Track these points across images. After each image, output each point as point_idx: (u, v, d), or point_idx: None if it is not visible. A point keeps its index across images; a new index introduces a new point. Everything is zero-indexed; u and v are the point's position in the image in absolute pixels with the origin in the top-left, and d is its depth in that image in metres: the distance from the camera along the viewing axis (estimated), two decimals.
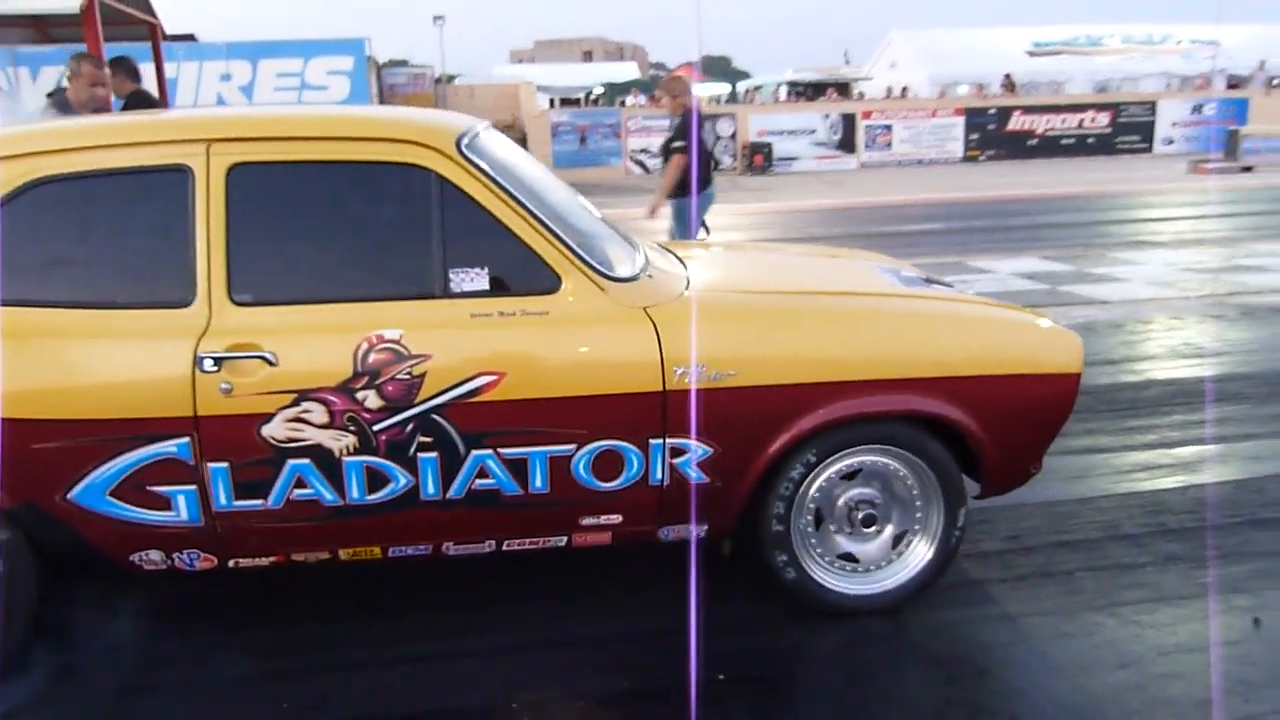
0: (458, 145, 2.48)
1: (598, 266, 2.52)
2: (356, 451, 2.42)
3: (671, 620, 2.67)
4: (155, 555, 2.51)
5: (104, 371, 2.35)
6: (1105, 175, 17.47)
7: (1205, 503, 3.35)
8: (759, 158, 20.46)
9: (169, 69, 10.09)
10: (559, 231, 2.51)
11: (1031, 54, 25.95)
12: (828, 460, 2.58)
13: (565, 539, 2.62)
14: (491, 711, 2.39)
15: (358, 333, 2.39)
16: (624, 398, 2.45)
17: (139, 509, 2.42)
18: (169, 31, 9.68)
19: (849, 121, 21.25)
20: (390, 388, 2.39)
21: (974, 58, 25.18)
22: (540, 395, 2.43)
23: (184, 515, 2.44)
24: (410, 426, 2.41)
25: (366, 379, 2.38)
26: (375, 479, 2.45)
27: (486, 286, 2.47)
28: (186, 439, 2.37)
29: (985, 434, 2.58)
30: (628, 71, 32.87)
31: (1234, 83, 22.71)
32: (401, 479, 2.46)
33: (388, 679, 2.53)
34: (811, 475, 2.59)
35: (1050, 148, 21.66)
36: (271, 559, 2.56)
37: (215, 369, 2.35)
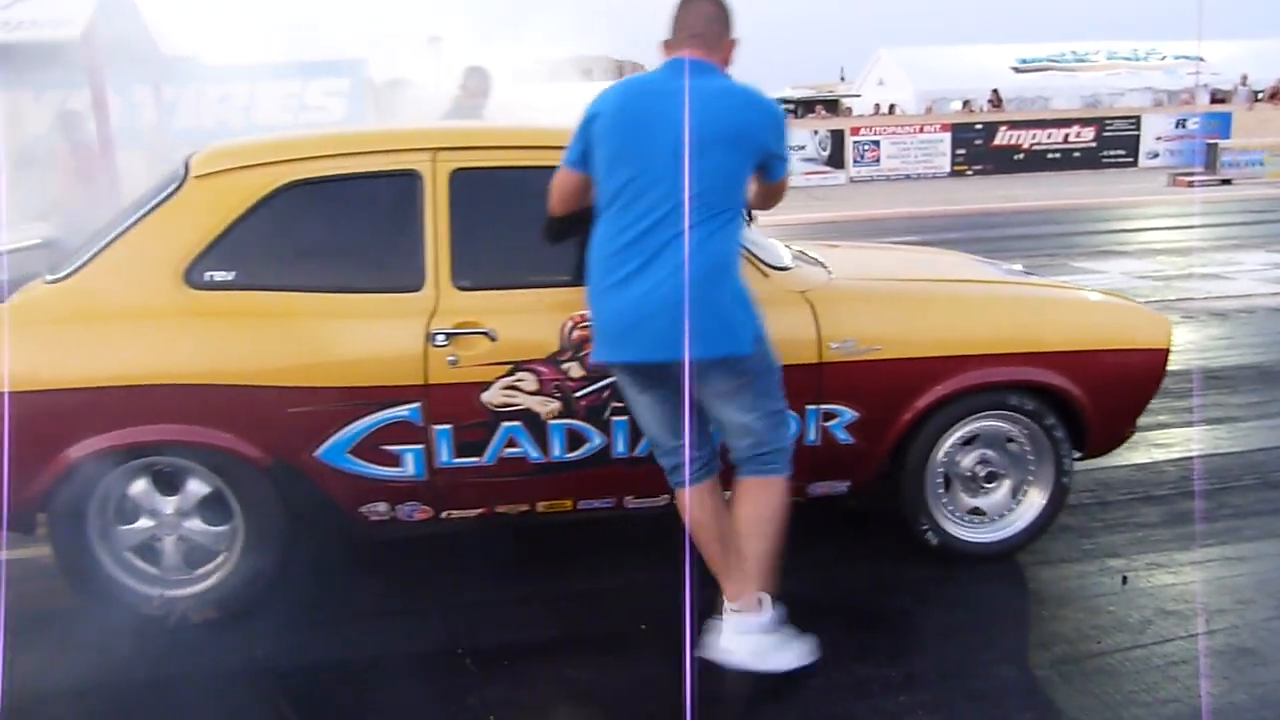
0: None
1: (761, 255, 2.94)
2: (560, 415, 2.82)
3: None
4: (381, 507, 2.90)
5: (348, 346, 2.75)
6: (1087, 188, 18.02)
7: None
8: None
9: (169, 92, 10.24)
10: None
11: (1018, 70, 26.76)
12: (955, 425, 3.00)
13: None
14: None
15: (562, 312, 2.79)
16: (787, 369, 2.86)
17: (373, 465, 2.81)
18: (170, 54, 9.84)
19: (838, 137, 21.78)
20: (590, 360, 2.79)
21: (961, 74, 25.95)
22: None
23: (411, 471, 2.83)
24: (606, 393, 2.82)
25: (570, 352, 2.79)
26: (574, 439, 2.85)
27: None
28: (418, 404, 2.76)
29: (1089, 401, 3.01)
30: None
31: (1218, 97, 23.55)
32: (596, 439, 2.86)
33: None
34: (942, 439, 3.01)
35: (1036, 162, 22.28)
36: (479, 511, 2.95)
37: (445, 343, 2.74)
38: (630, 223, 2.37)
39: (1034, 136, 22.66)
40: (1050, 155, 22.50)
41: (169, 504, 2.80)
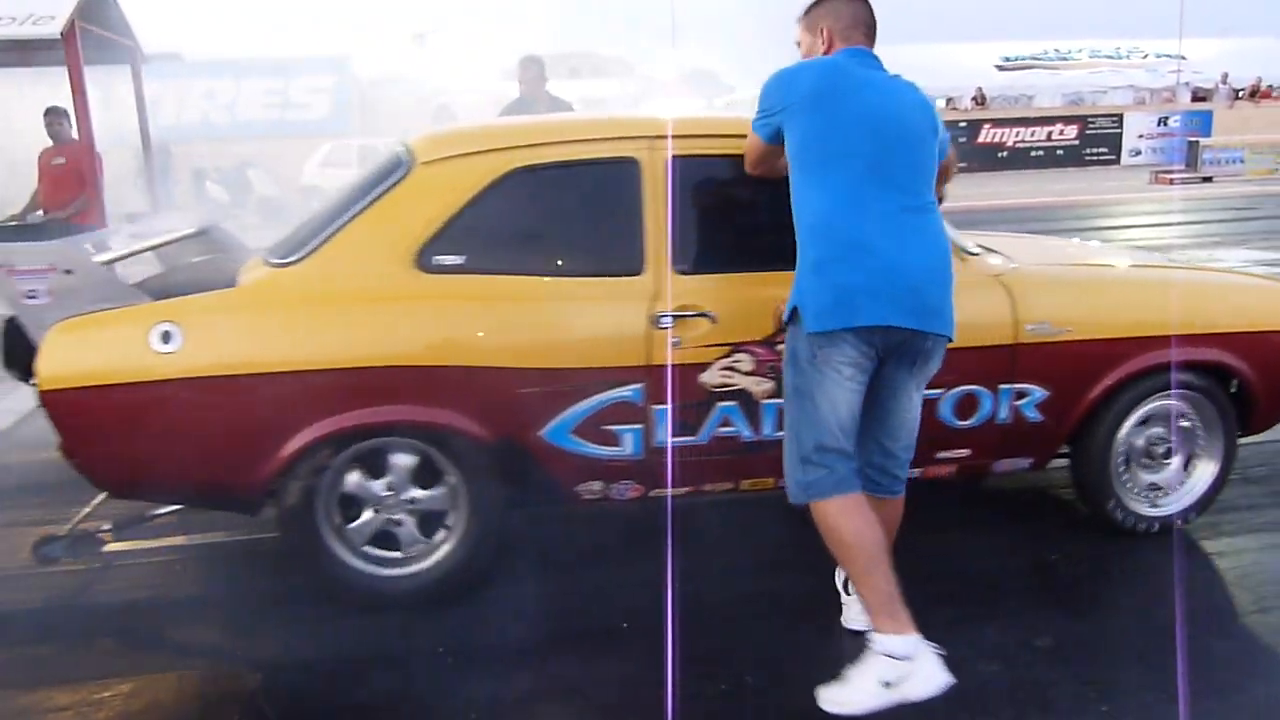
0: None
1: (958, 241, 3.05)
2: (772, 395, 2.92)
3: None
4: (596, 486, 2.97)
5: (576, 328, 2.82)
6: (1069, 186, 18.43)
7: None
8: None
9: (153, 88, 10.17)
10: None
11: (1001, 68, 27.25)
12: (1140, 404, 3.14)
13: (920, 471, 3.14)
14: None
15: (772, 295, 2.89)
16: (984, 349, 2.99)
17: (594, 445, 2.88)
18: (152, 51, 9.77)
19: None
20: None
21: (945, 72, 26.32)
22: None
23: (629, 450, 2.91)
24: None
25: (783, 334, 2.88)
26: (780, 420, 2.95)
27: None
28: (640, 385, 2.85)
29: (1257, 378, 3.17)
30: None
31: (1199, 95, 24.16)
32: None
33: None
34: (1127, 417, 3.15)
35: (1020, 159, 22.71)
36: (686, 490, 3.04)
37: (669, 326, 2.83)
38: (884, 194, 2.40)
39: (1017, 134, 23.09)
40: (1034, 153, 22.94)
41: (382, 486, 2.86)
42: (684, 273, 2.88)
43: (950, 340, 2.48)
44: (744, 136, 2.98)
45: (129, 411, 2.68)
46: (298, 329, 2.73)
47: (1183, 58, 25.28)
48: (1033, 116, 23.39)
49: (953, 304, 2.47)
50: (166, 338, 2.66)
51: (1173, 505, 3.27)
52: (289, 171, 17.80)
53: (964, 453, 3.11)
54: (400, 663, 2.68)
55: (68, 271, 2.67)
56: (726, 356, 2.87)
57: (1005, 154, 22.98)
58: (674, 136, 2.92)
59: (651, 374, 2.85)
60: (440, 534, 2.93)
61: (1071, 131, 22.96)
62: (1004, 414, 3.07)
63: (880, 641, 2.31)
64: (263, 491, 2.79)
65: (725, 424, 2.92)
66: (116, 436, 2.71)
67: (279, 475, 2.75)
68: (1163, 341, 3.09)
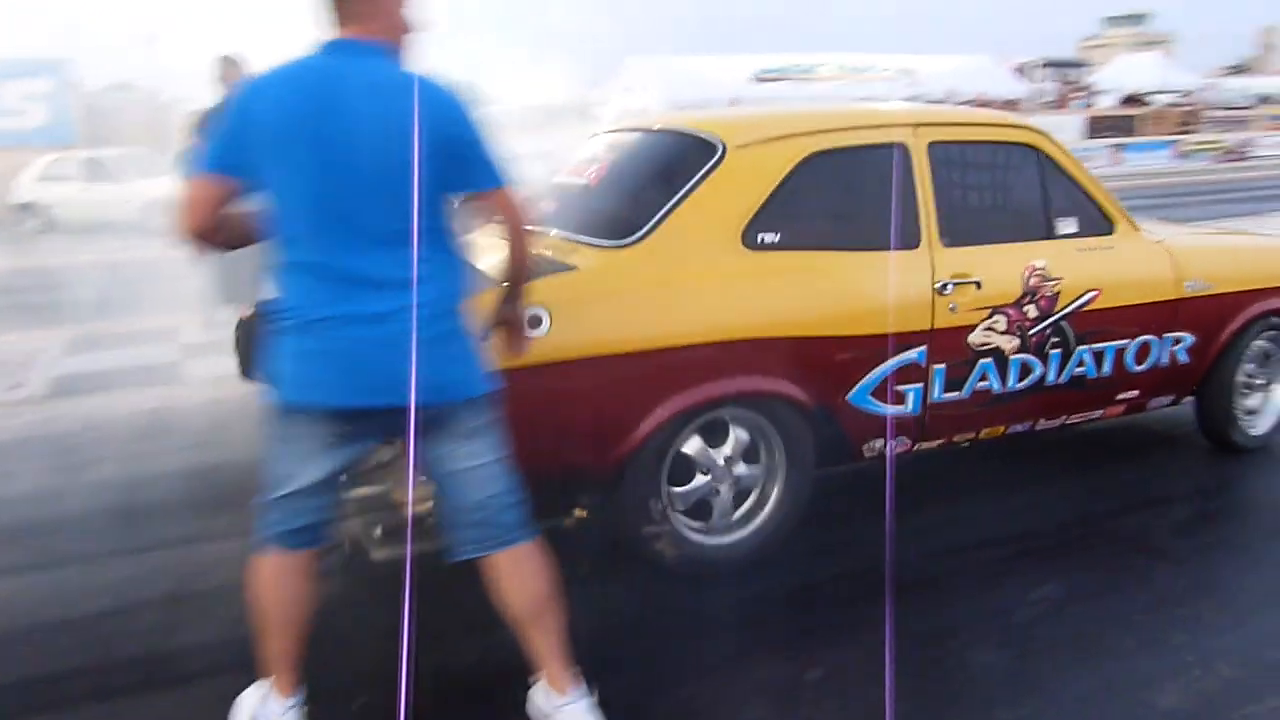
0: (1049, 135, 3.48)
1: (1129, 215, 3.60)
2: (1018, 350, 3.32)
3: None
4: (879, 443, 3.23)
5: (879, 298, 3.08)
6: None
7: None
8: None
9: None
10: (1107, 191, 3.57)
11: (757, 79, 29.19)
12: (1251, 343, 3.85)
13: (1100, 412, 3.66)
14: None
15: (1021, 263, 3.29)
16: (1157, 304, 3.56)
17: (886, 405, 3.15)
18: None
19: None
20: (1043, 302, 3.32)
21: (705, 83, 27.88)
22: (1119, 304, 3.46)
23: (910, 408, 3.20)
24: (1049, 330, 3.35)
25: (1029, 296, 3.30)
26: (1025, 371, 3.36)
27: (1076, 230, 3.47)
28: (924, 347, 3.15)
29: None
30: None
31: None
32: (1038, 369, 3.38)
33: None
34: (1242, 355, 3.84)
35: None
36: (939, 442, 3.37)
37: (949, 293, 3.15)
38: (327, 244, 1.96)
39: None
40: None
41: (721, 455, 2.98)
42: (949, 245, 3.22)
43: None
44: (976, 125, 3.38)
45: (504, 397, 2.63)
46: (654, 308, 2.79)
47: (914, 72, 28.45)
48: None
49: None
50: (536, 322, 2.64)
51: (1261, 426, 4.01)
52: None
53: (1134, 394, 3.67)
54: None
55: None
56: (988, 318, 3.24)
57: None
58: (930, 124, 3.25)
59: (933, 337, 3.16)
60: (752, 503, 3.07)
61: None
62: (1165, 358, 3.65)
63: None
64: (617, 470, 2.82)
65: (983, 379, 3.29)
66: None
67: (635, 451, 2.80)
68: (1268, 293, 3.82)
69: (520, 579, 2.19)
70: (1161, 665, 2.53)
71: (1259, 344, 3.92)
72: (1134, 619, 2.76)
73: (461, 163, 2.01)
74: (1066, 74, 34.13)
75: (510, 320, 2.33)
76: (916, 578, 2.97)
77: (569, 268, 2.81)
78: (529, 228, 2.13)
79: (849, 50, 30.37)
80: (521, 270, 2.20)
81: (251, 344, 3.02)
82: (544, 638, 2.21)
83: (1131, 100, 27.99)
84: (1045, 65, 32.73)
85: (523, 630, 2.22)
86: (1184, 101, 28.74)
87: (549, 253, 2.93)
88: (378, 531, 2.98)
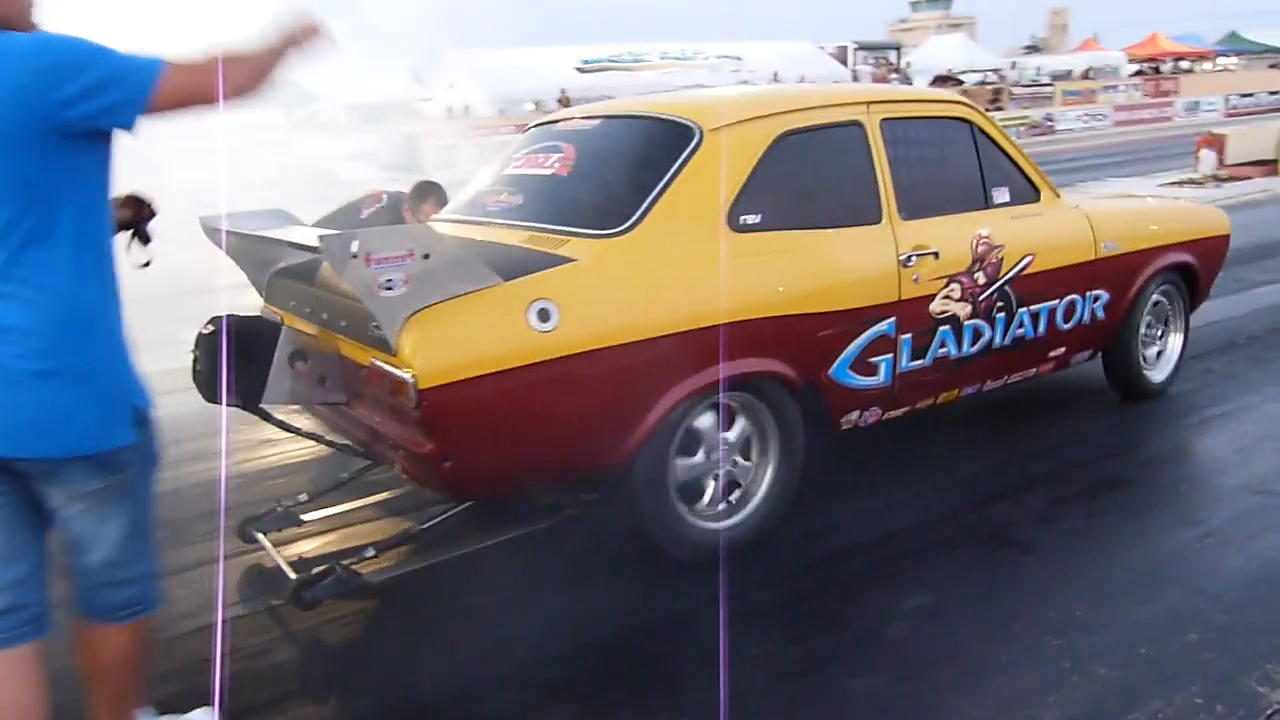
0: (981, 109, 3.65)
1: (1050, 182, 3.83)
2: (970, 316, 3.48)
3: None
4: (855, 415, 3.32)
5: (854, 272, 3.15)
6: None
7: None
8: None
9: None
10: (1032, 160, 3.78)
11: (582, 70, 29.18)
12: (1151, 296, 4.17)
13: (1035, 370, 3.89)
14: None
15: (970, 232, 3.45)
16: (1080, 265, 3.81)
17: (862, 377, 3.23)
18: None
19: (414, 143, 21.47)
20: (989, 269, 3.49)
21: (528, 75, 27.66)
22: (1050, 267, 3.69)
23: (882, 379, 3.30)
24: (995, 295, 3.53)
25: (978, 264, 3.46)
26: (976, 335, 3.52)
27: (1009, 199, 3.67)
28: (893, 318, 3.25)
29: (1202, 270, 4.36)
30: None
31: None
32: (987, 333, 3.56)
33: None
34: (1144, 308, 4.16)
35: None
36: (904, 410, 3.48)
37: (912, 265, 3.27)
38: None
39: None
40: None
41: (729, 437, 2.98)
42: (906, 219, 3.33)
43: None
44: (919, 101, 3.51)
45: (515, 397, 2.54)
46: (658, 294, 2.76)
47: (740, 58, 29.19)
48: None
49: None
50: (544, 315, 2.56)
51: (1160, 372, 4.36)
52: None
53: (1061, 351, 3.92)
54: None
55: (426, 256, 2.45)
56: (945, 287, 3.38)
57: None
58: (880, 102, 3.35)
59: (901, 308, 3.27)
60: (748, 487, 3.09)
61: None
62: (1086, 316, 3.92)
63: None
64: (628, 462, 2.77)
65: (943, 345, 3.43)
66: (501, 427, 2.55)
67: (644, 442, 2.76)
68: (1166, 250, 4.15)
69: (100, 658, 1.94)
70: (1041, 675, 2.37)
71: (1156, 297, 4.27)
72: (1010, 628, 2.59)
73: (85, 95, 1.62)
74: (882, 56, 36.00)
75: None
76: (787, 597, 2.83)
77: (566, 260, 2.74)
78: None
79: (673, 40, 30.84)
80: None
81: (214, 363, 2.81)
82: (107, 710, 1.98)
83: (943, 80, 29.69)
84: (860, 49, 34.39)
85: (89, 689, 1.98)
86: (992, 80, 30.77)
87: (528, 246, 2.85)
88: (370, 551, 2.84)
